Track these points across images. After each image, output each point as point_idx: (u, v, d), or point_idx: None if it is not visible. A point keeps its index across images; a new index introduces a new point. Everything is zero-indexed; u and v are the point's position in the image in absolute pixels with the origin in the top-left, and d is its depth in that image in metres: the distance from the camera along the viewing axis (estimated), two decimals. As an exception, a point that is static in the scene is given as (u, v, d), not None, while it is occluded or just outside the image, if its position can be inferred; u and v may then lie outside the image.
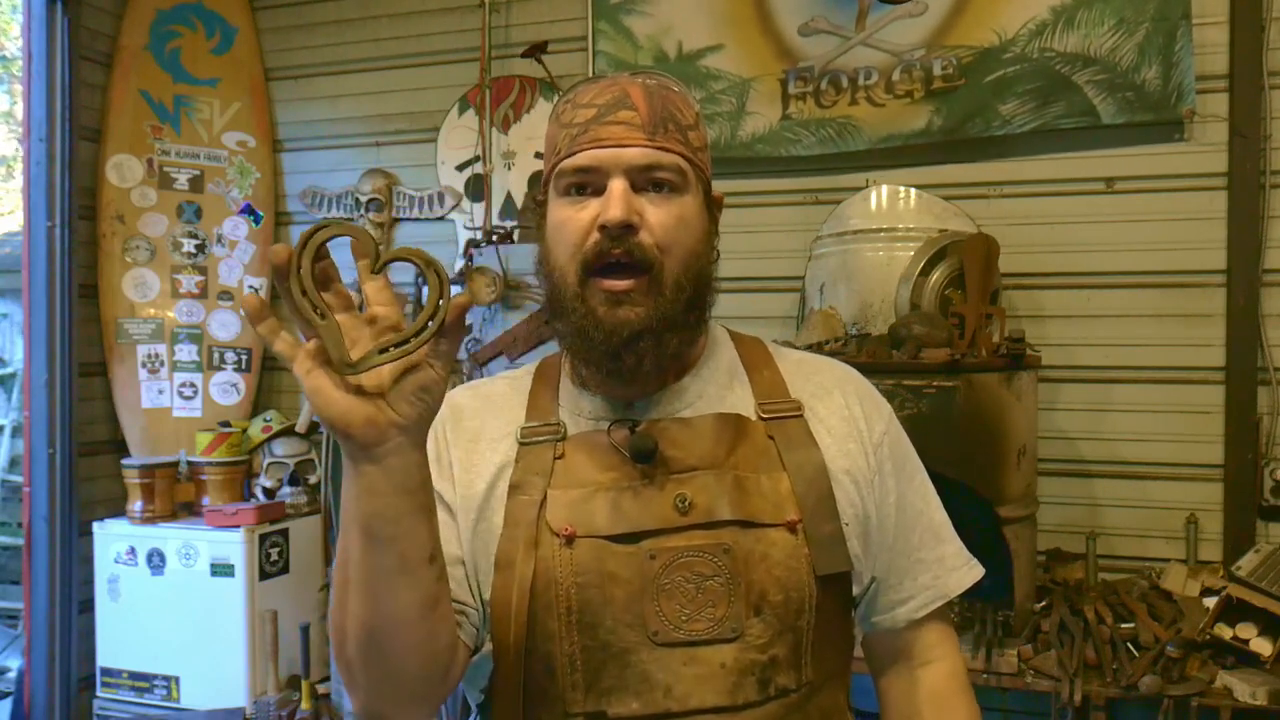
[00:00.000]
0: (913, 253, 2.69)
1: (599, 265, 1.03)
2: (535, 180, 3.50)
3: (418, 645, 0.95)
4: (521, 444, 1.09)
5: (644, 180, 1.04)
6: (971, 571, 1.18)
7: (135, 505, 3.34)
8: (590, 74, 3.38)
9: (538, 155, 3.50)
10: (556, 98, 1.14)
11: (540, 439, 1.09)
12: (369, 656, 0.94)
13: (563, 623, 1.01)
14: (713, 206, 1.12)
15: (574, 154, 1.04)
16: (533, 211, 1.16)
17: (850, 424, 1.12)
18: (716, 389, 1.12)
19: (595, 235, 1.03)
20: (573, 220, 1.05)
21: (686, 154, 1.06)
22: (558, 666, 1.02)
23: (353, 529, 0.89)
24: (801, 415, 1.11)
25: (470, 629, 1.05)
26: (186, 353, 3.69)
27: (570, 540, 1.02)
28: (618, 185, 1.02)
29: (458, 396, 1.18)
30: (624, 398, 1.10)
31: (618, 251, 1.02)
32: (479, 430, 1.12)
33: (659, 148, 1.04)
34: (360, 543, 0.89)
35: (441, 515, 1.06)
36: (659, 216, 1.04)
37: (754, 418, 1.10)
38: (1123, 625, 2.45)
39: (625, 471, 1.05)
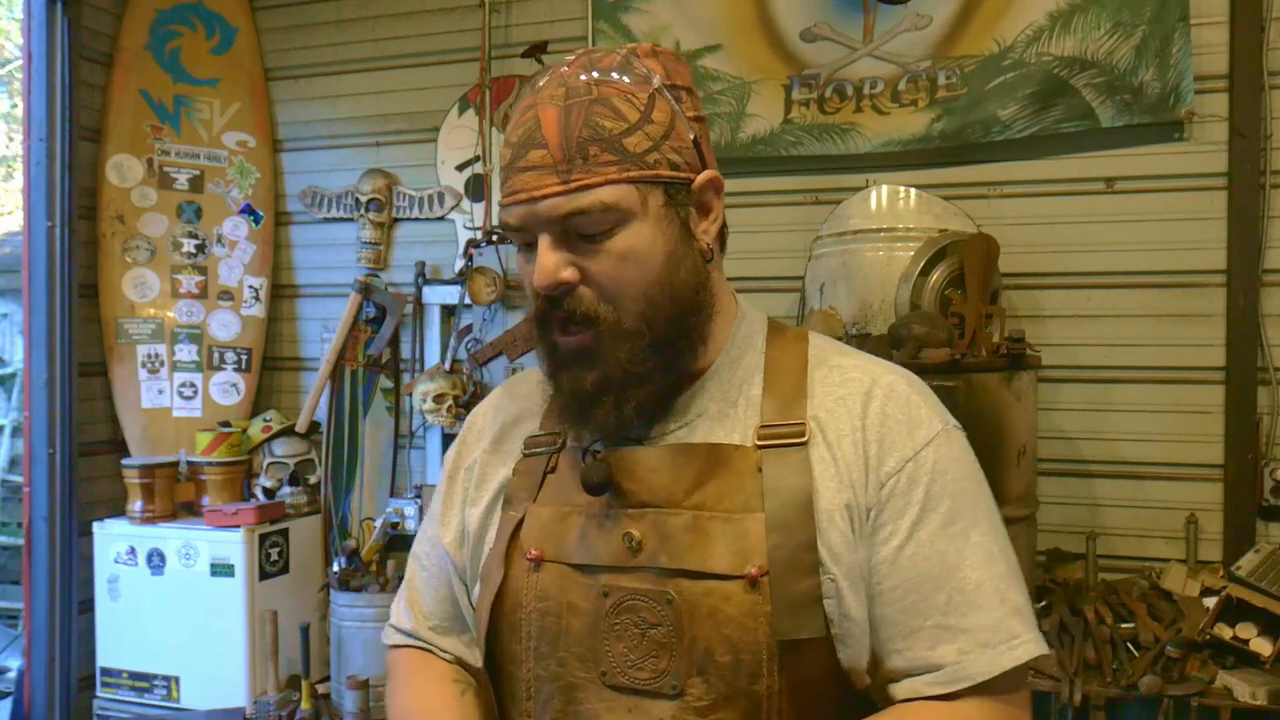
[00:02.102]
0: (913, 253, 2.70)
1: (548, 323, 0.98)
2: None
3: None
4: (524, 454, 1.07)
5: (571, 228, 0.93)
6: (1012, 652, 0.91)
7: (135, 505, 3.33)
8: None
9: (538, 155, 3.49)
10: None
11: (539, 450, 1.07)
12: None
13: (523, 646, 1.00)
14: (686, 203, 0.98)
15: (504, 205, 0.97)
16: None
17: (860, 449, 0.95)
18: (720, 406, 1.00)
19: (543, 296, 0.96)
20: (524, 274, 1.00)
21: (617, 176, 0.92)
22: (517, 690, 1.02)
23: None
24: (804, 443, 0.95)
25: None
26: (186, 353, 3.69)
27: (537, 564, 1.00)
28: (542, 245, 0.94)
29: (494, 400, 1.18)
30: None
31: (558, 314, 0.96)
32: (498, 443, 1.12)
33: (576, 188, 0.91)
34: None
35: (450, 582, 1.12)
36: (597, 265, 0.94)
37: (750, 443, 0.97)
38: (1123, 625, 2.45)
39: (594, 496, 0.99)
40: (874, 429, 0.96)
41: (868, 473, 0.95)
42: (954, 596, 0.92)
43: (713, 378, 1.02)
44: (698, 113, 1.01)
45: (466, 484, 1.12)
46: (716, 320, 1.02)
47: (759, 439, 0.96)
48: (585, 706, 0.96)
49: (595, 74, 0.95)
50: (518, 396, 1.15)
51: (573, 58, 0.98)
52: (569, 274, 0.94)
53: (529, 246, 0.97)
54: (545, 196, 0.92)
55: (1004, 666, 0.91)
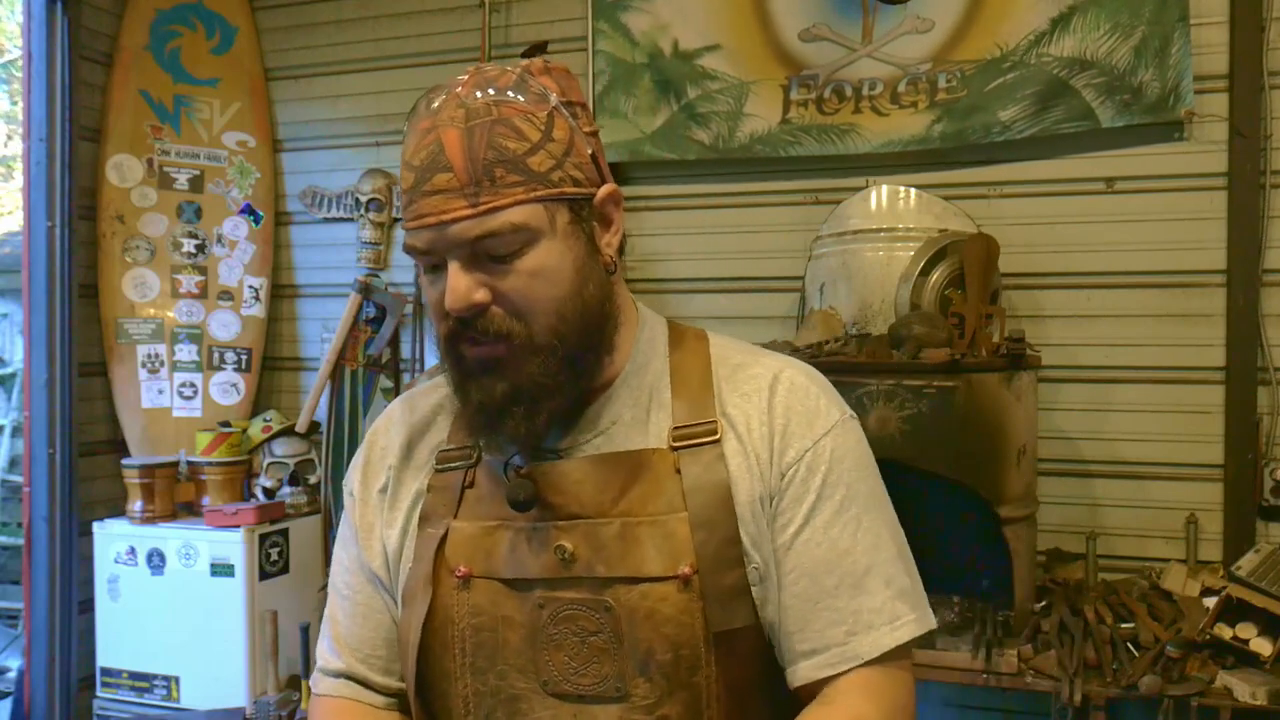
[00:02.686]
0: (913, 253, 2.70)
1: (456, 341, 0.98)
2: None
3: None
4: (436, 470, 1.06)
5: (480, 251, 0.93)
6: (894, 633, 0.97)
7: (135, 505, 3.33)
8: (590, 73, 3.37)
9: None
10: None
11: (454, 464, 1.06)
12: None
13: (458, 663, 1.00)
14: (589, 218, 0.99)
15: (409, 229, 0.96)
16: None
17: (767, 440, 1.00)
18: (633, 412, 1.03)
19: (450, 318, 0.96)
20: (430, 295, 0.99)
21: (524, 197, 0.92)
22: (453, 706, 1.02)
23: None
24: (717, 440, 0.99)
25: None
26: (186, 353, 3.69)
27: (466, 581, 1.00)
28: (452, 269, 0.93)
29: (394, 415, 1.15)
30: None
31: (469, 334, 0.96)
32: (406, 457, 1.11)
33: (485, 210, 0.91)
34: None
35: (382, 607, 1.09)
36: (508, 284, 0.94)
37: (666, 445, 1.00)
38: (1123, 625, 2.45)
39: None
40: (779, 420, 1.01)
41: (771, 463, 1.00)
42: (844, 580, 0.98)
43: (622, 385, 1.04)
44: (592, 128, 1.02)
45: (380, 504, 1.10)
46: (622, 330, 1.04)
47: (673, 440, 1.00)
48: (530, 717, 0.99)
49: (492, 92, 0.95)
50: (419, 409, 1.13)
51: (465, 77, 0.98)
52: (481, 295, 0.94)
53: (435, 268, 0.97)
54: (454, 220, 0.92)
55: (886, 646, 0.97)
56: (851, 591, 0.98)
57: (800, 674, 0.98)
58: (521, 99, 0.95)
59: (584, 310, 0.97)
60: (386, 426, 1.14)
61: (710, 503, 0.97)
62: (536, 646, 0.98)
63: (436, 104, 0.96)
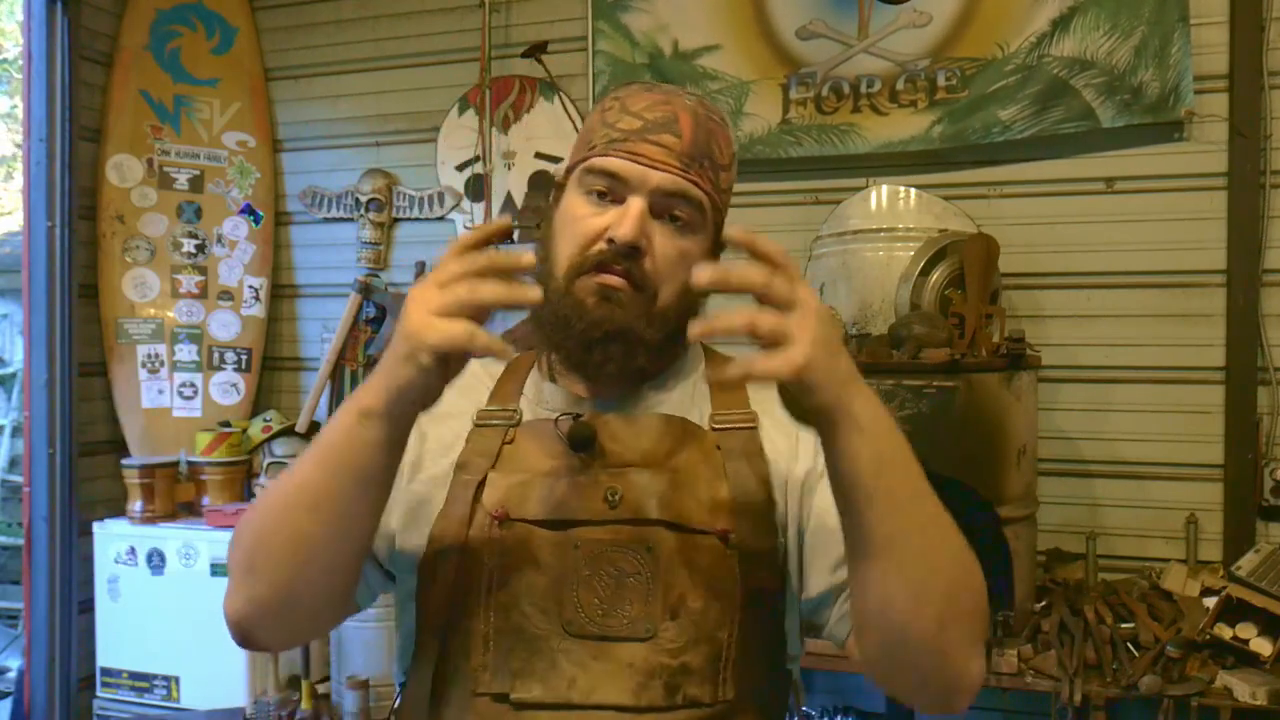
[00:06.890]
0: (913, 253, 2.70)
1: (596, 270, 1.04)
2: (536, 181, 3.50)
3: (342, 566, 1.01)
4: (476, 425, 1.11)
5: (663, 207, 1.05)
6: None
7: (135, 505, 3.33)
8: (590, 74, 3.38)
9: (538, 155, 3.50)
10: (602, 96, 1.17)
11: (494, 423, 1.11)
12: (295, 554, 1.05)
13: (482, 602, 1.03)
14: (718, 249, 1.12)
15: (607, 156, 1.05)
16: (541, 204, 1.18)
17: (792, 437, 1.11)
18: (679, 396, 1.13)
19: (601, 245, 1.04)
20: (584, 221, 1.06)
21: (713, 194, 1.08)
22: (473, 644, 1.04)
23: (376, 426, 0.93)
24: (755, 427, 1.10)
25: (365, 591, 1.12)
26: (186, 353, 3.69)
27: (500, 521, 1.04)
28: (636, 204, 1.03)
29: None
30: (587, 396, 1.12)
31: (618, 269, 1.03)
32: (442, 404, 1.13)
33: (689, 180, 1.05)
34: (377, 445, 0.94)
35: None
36: (665, 247, 1.05)
37: (707, 426, 1.10)
38: (1123, 625, 2.45)
39: (566, 461, 1.06)
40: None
41: (802, 455, 1.09)
42: None
43: (671, 376, 1.14)
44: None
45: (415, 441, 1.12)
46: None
47: (714, 424, 1.10)
48: (549, 656, 1.01)
49: (714, 112, 1.11)
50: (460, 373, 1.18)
51: (681, 92, 1.12)
52: (647, 240, 1.04)
53: (602, 197, 1.05)
54: (666, 169, 1.04)
55: None
56: None
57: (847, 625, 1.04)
58: (728, 132, 1.12)
59: (689, 311, 1.07)
60: None
61: (748, 477, 1.06)
62: (564, 587, 1.02)
63: (664, 87, 1.11)
